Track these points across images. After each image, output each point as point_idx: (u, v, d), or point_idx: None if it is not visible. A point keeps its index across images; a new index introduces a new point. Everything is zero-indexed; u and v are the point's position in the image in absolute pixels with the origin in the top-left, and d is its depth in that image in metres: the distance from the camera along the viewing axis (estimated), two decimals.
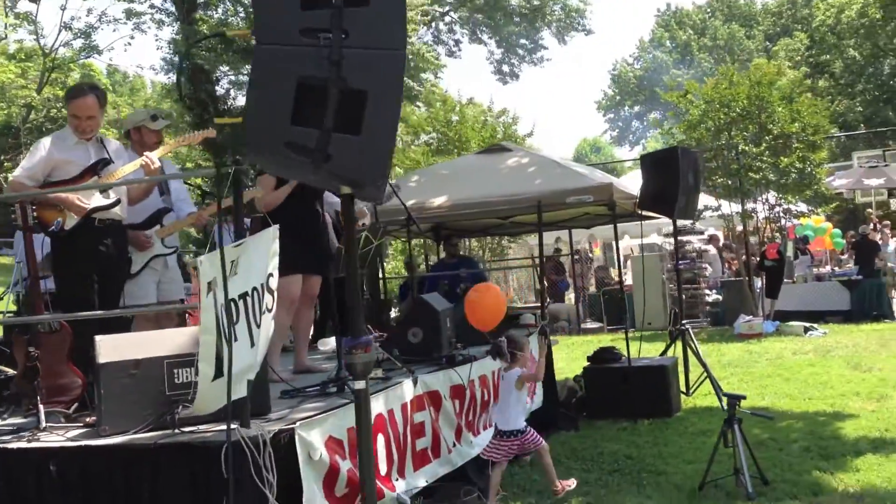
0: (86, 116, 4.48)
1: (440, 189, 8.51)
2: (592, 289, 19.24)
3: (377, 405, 4.29)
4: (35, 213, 4.18)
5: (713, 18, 50.59)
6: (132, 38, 32.95)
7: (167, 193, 5.23)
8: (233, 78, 31.15)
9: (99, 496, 3.43)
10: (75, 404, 4.06)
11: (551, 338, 7.95)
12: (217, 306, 2.99)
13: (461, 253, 9.74)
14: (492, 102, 48.92)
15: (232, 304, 3.11)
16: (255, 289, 3.27)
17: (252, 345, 3.22)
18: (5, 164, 28.06)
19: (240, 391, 3.18)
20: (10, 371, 4.41)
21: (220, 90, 30.81)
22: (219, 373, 3.01)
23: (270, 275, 3.44)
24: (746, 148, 14.93)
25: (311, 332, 6.50)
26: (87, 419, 3.84)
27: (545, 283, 18.19)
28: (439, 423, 5.07)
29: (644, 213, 8.35)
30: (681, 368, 8.34)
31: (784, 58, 37.21)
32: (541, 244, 8.46)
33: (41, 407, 3.77)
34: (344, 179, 2.42)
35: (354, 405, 3.19)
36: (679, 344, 8.50)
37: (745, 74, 16.09)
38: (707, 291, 16.44)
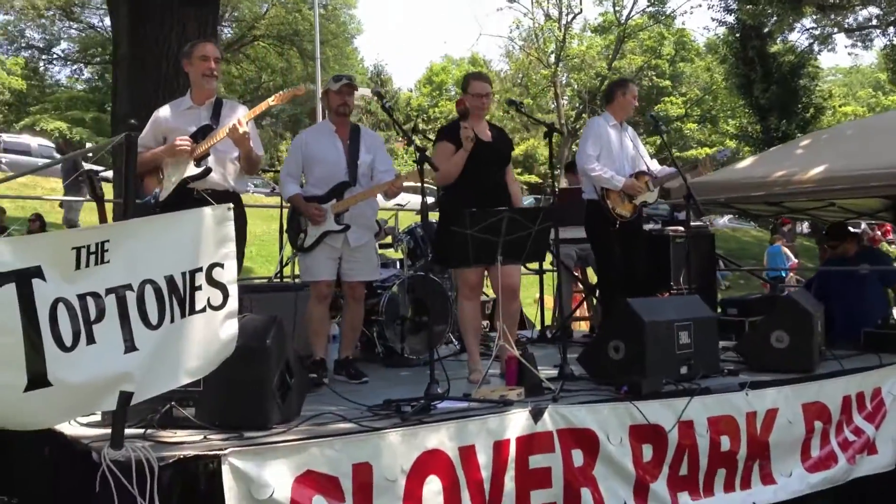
0: (213, 58, 4.29)
1: (821, 156, 6.44)
2: None
3: (432, 438, 3.34)
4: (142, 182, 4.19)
5: None
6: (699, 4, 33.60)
7: (353, 166, 4.74)
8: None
9: None
10: None
11: None
12: (33, 300, 2.50)
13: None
14: None
15: (89, 300, 2.63)
16: (148, 281, 2.74)
17: (128, 350, 2.70)
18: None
19: (107, 403, 2.71)
20: None
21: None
22: (38, 382, 2.52)
23: (217, 265, 2.89)
24: None
25: None
26: None
27: None
28: (595, 472, 3.78)
29: None
30: None
31: None
32: None
33: None
34: None
35: None
36: None
37: None
38: None
